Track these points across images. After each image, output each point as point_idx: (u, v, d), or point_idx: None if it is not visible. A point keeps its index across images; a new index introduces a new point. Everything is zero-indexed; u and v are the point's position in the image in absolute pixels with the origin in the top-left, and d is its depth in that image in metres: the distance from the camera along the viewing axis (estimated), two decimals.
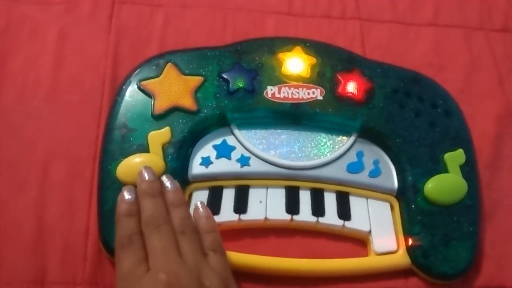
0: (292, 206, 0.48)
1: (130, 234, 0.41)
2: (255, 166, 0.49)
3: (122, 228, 0.42)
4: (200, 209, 0.45)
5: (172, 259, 0.40)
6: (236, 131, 0.50)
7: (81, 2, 0.57)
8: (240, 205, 0.48)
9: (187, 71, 0.51)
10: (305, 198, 0.49)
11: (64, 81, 0.53)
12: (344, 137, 0.51)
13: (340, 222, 0.48)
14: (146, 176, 0.44)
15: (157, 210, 0.42)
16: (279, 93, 0.50)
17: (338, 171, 0.50)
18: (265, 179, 0.49)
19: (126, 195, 0.43)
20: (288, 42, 0.53)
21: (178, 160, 0.47)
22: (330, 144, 0.51)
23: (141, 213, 0.42)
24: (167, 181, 0.45)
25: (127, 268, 0.39)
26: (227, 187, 0.48)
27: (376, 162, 0.50)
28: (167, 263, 0.39)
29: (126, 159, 0.46)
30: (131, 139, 0.47)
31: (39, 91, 0.52)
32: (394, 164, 0.51)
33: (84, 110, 0.52)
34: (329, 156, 0.50)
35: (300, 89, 0.51)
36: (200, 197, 0.47)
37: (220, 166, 0.48)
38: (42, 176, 0.48)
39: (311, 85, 0.51)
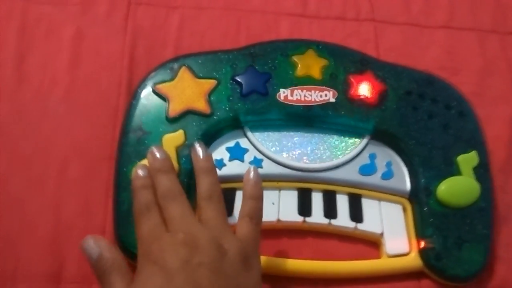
0: (305, 208, 0.48)
1: (147, 203, 0.41)
2: (267, 168, 0.49)
3: (139, 198, 0.42)
4: (252, 173, 0.45)
5: (190, 223, 0.40)
6: (249, 134, 0.51)
7: (97, 2, 0.58)
8: None
9: (201, 75, 0.51)
10: (317, 200, 0.49)
11: (81, 81, 0.53)
12: (357, 139, 0.51)
13: (352, 224, 0.48)
14: (158, 155, 0.44)
15: (173, 184, 0.42)
16: (291, 95, 0.50)
17: (351, 173, 0.50)
18: (278, 181, 0.49)
19: (140, 172, 0.43)
20: (301, 45, 0.53)
21: (191, 162, 0.47)
22: (343, 146, 0.51)
23: (157, 189, 0.42)
24: (199, 149, 0.46)
25: (147, 231, 0.39)
26: (240, 189, 0.48)
27: (388, 164, 0.50)
28: (186, 225, 0.39)
29: (142, 162, 0.47)
30: (146, 141, 0.48)
31: (55, 90, 0.53)
32: (406, 166, 0.51)
33: (101, 110, 0.52)
34: (342, 158, 0.50)
35: (313, 91, 0.51)
36: None
37: (233, 168, 0.49)
38: (59, 175, 0.49)
39: (324, 87, 0.51)
